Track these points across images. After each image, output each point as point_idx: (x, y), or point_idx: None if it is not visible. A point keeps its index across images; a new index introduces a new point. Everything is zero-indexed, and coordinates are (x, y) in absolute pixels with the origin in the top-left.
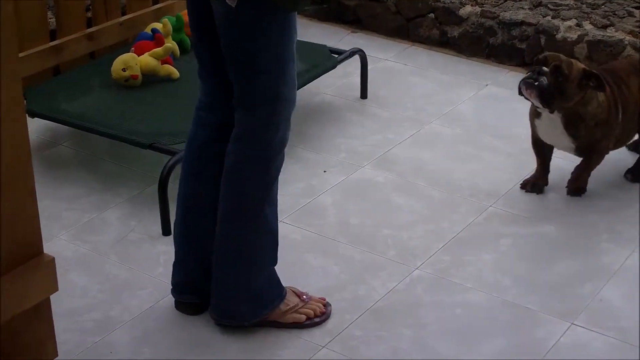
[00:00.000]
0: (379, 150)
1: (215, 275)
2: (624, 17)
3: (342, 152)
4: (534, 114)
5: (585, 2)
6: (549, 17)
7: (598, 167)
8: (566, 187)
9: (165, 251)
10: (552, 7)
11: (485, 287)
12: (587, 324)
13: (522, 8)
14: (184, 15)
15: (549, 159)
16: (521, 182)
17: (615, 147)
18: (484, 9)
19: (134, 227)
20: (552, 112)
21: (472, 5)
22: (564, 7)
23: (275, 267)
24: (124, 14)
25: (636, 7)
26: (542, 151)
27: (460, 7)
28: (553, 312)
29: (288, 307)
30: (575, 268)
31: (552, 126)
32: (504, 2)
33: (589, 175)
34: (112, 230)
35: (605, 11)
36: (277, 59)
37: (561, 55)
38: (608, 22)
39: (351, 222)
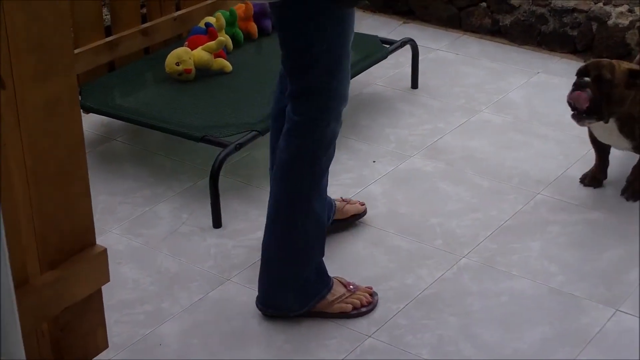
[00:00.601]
0: (428, 140)
1: (262, 265)
2: None
3: (392, 142)
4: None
5: None
6: (600, 4)
7: None
8: (622, 193)
9: (215, 244)
10: None
11: (531, 275)
12: (632, 310)
13: None
14: (238, 9)
15: (608, 154)
16: (571, 167)
17: None
18: None
19: (185, 220)
20: (606, 122)
21: None
22: None
23: (323, 258)
24: (178, 9)
25: None
26: (601, 147)
27: None
28: (599, 299)
29: (335, 297)
30: (622, 255)
31: (608, 130)
32: None
33: None
34: (164, 224)
35: None
36: (331, 54)
37: (602, 60)
38: None
39: (400, 212)
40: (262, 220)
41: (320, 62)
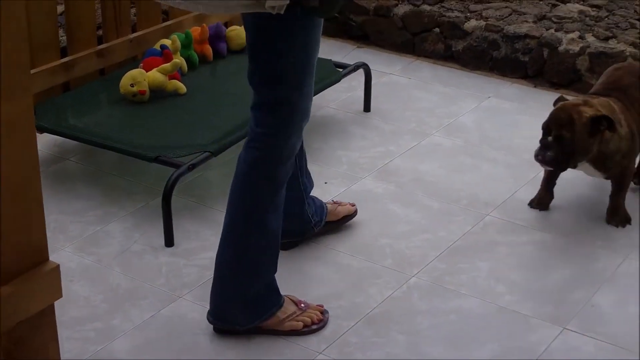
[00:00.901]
0: (379, 162)
1: (215, 277)
2: (626, 29)
3: (343, 164)
4: None
5: (589, 15)
6: (552, 30)
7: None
8: (607, 220)
9: (167, 262)
10: (556, 20)
11: (479, 294)
12: (578, 328)
13: (527, 21)
14: (193, 31)
15: (556, 177)
16: (520, 189)
17: None
18: (488, 22)
19: (137, 239)
20: (575, 168)
21: (477, 20)
22: (567, 20)
23: (275, 276)
24: (134, 31)
25: (638, 19)
26: (552, 176)
27: (466, 22)
28: (546, 318)
29: (286, 316)
30: (569, 275)
31: (583, 167)
32: (509, 16)
33: (624, 198)
34: (116, 242)
35: (608, 23)
36: (295, 68)
37: (562, 111)
38: (610, 34)
39: (350, 232)
40: (214, 240)
41: (285, 75)
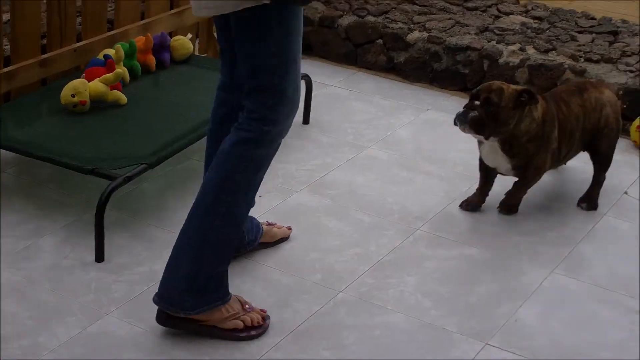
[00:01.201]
0: (315, 175)
1: (170, 258)
2: (566, 42)
3: (279, 177)
4: (478, 141)
5: (531, 27)
6: (493, 42)
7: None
8: (498, 207)
9: (96, 278)
10: (498, 32)
11: (405, 309)
12: (500, 343)
13: (469, 33)
14: (138, 41)
15: (491, 182)
16: (451, 203)
17: (555, 165)
18: (431, 34)
19: (68, 254)
20: (487, 138)
21: (420, 31)
22: (509, 32)
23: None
24: (79, 40)
25: (579, 32)
26: (486, 171)
27: (409, 33)
28: (469, 333)
29: (230, 314)
30: (495, 289)
31: (492, 150)
32: (452, 27)
33: (524, 193)
34: (47, 257)
35: (549, 36)
36: (279, 56)
37: (494, 83)
38: (551, 47)
39: (281, 247)
40: (145, 255)
41: (270, 63)
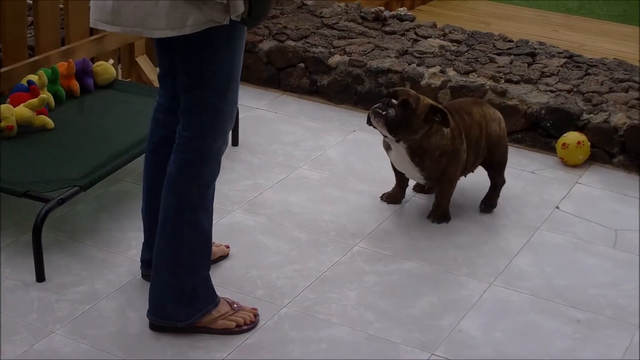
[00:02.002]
0: (249, 195)
1: (153, 276)
2: (485, 64)
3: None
4: (386, 146)
5: (450, 50)
6: (414, 65)
7: (455, 204)
8: (428, 216)
9: (39, 297)
10: (417, 55)
11: (349, 322)
12: (446, 354)
13: (389, 57)
14: (60, 67)
15: (407, 179)
16: (386, 220)
17: (463, 174)
18: (352, 58)
19: (8, 275)
20: (397, 141)
21: (340, 55)
22: (428, 55)
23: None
24: (0, 66)
25: (497, 54)
26: (399, 173)
27: (330, 57)
28: (414, 344)
29: (219, 314)
30: (436, 302)
31: (401, 157)
32: (372, 51)
33: (447, 203)
34: None
35: (468, 58)
36: (221, 75)
37: (411, 90)
38: (470, 69)
39: (221, 264)
40: (85, 274)
41: (211, 81)
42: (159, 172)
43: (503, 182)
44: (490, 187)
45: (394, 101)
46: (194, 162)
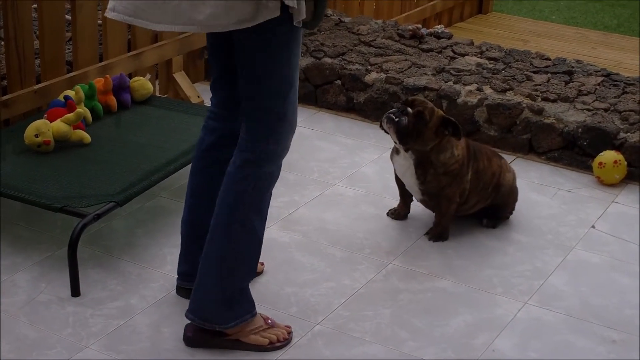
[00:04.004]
0: (284, 212)
1: (199, 276)
2: (522, 82)
3: None
4: (394, 150)
5: (486, 68)
6: (450, 83)
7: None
8: (426, 233)
9: (73, 312)
10: (454, 72)
11: (382, 340)
12: None
13: (426, 74)
14: (97, 82)
15: (410, 195)
16: (420, 238)
17: (462, 210)
18: (388, 75)
19: (44, 289)
20: (406, 150)
21: (377, 72)
22: (465, 73)
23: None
24: (38, 82)
25: (534, 72)
26: (401, 185)
27: (366, 74)
28: None
29: (254, 327)
30: (470, 320)
31: (406, 165)
32: (408, 68)
33: (447, 222)
34: (22, 292)
35: (505, 76)
36: (283, 80)
37: (428, 102)
38: (507, 87)
39: (256, 281)
40: (121, 290)
41: (270, 85)
42: (203, 179)
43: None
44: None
45: (409, 110)
46: (253, 163)
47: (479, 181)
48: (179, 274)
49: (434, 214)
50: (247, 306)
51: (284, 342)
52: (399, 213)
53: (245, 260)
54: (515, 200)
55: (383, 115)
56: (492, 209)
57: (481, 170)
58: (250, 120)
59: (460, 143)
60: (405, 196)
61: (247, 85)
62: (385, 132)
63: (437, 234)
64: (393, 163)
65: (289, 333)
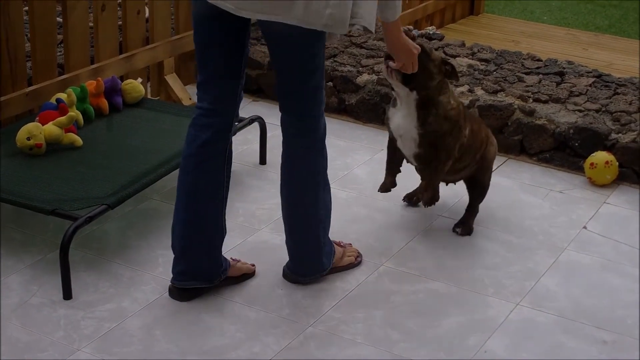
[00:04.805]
0: (275, 214)
1: (299, 240)
2: (514, 83)
3: (240, 216)
4: (392, 104)
5: (478, 69)
6: None
7: (482, 224)
8: (415, 199)
9: (65, 315)
10: None
11: (374, 342)
12: None
13: None
14: (89, 85)
15: (399, 163)
16: (412, 239)
17: (453, 169)
18: (380, 77)
19: (35, 292)
20: (411, 90)
21: (369, 74)
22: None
23: None
24: (30, 84)
25: (526, 73)
26: (394, 152)
27: (358, 76)
28: None
29: (341, 253)
30: (462, 322)
31: (405, 112)
32: None
33: (437, 182)
34: (14, 295)
35: (497, 77)
36: (323, 75)
37: (425, 43)
38: (499, 88)
39: (247, 283)
40: (113, 292)
41: (319, 69)
42: (200, 174)
43: (478, 209)
44: (468, 209)
45: None
46: (319, 143)
47: (474, 140)
48: (176, 274)
49: (422, 177)
50: (331, 242)
51: (359, 256)
52: (386, 185)
53: (329, 213)
54: (490, 177)
55: (383, 62)
56: (472, 190)
57: (475, 132)
58: (304, 100)
59: (455, 97)
60: (393, 164)
61: (299, 68)
62: (387, 79)
63: (430, 197)
64: (389, 124)
65: (357, 251)
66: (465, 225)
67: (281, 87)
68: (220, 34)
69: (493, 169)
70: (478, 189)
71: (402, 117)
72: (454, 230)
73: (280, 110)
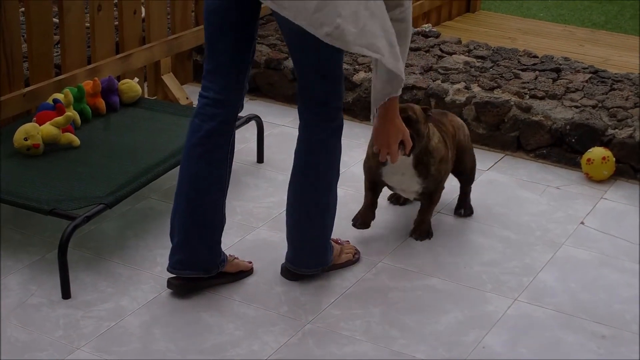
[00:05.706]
0: (274, 212)
1: (308, 228)
2: (510, 79)
3: (238, 214)
4: (380, 165)
5: (474, 66)
6: (439, 81)
7: (480, 220)
8: (411, 234)
9: (64, 314)
10: (442, 71)
11: (373, 339)
12: None
13: (414, 73)
14: (86, 85)
15: (377, 196)
16: (410, 236)
17: None
18: None
19: (34, 292)
20: (409, 155)
21: (365, 72)
22: (453, 72)
23: None
24: (27, 85)
25: (522, 70)
26: (375, 188)
27: (355, 74)
28: None
29: (338, 251)
30: (460, 318)
31: (402, 169)
32: None
33: (430, 217)
34: (13, 295)
35: (493, 74)
36: (341, 65)
37: (407, 104)
38: (495, 84)
39: (245, 281)
40: (111, 291)
41: (342, 73)
42: (204, 164)
43: (470, 189)
44: (461, 196)
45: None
46: (339, 129)
47: (450, 144)
48: (174, 262)
49: (420, 210)
50: (331, 245)
51: (357, 253)
52: (365, 222)
53: (335, 209)
54: (474, 157)
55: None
56: (460, 177)
57: (450, 136)
58: (327, 93)
59: (432, 127)
60: (374, 204)
61: (326, 76)
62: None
63: (424, 231)
64: (378, 173)
65: (355, 248)
66: (466, 207)
67: (301, 78)
68: (233, 23)
69: (490, 167)
70: (464, 174)
71: (401, 175)
72: (456, 213)
73: (299, 101)
